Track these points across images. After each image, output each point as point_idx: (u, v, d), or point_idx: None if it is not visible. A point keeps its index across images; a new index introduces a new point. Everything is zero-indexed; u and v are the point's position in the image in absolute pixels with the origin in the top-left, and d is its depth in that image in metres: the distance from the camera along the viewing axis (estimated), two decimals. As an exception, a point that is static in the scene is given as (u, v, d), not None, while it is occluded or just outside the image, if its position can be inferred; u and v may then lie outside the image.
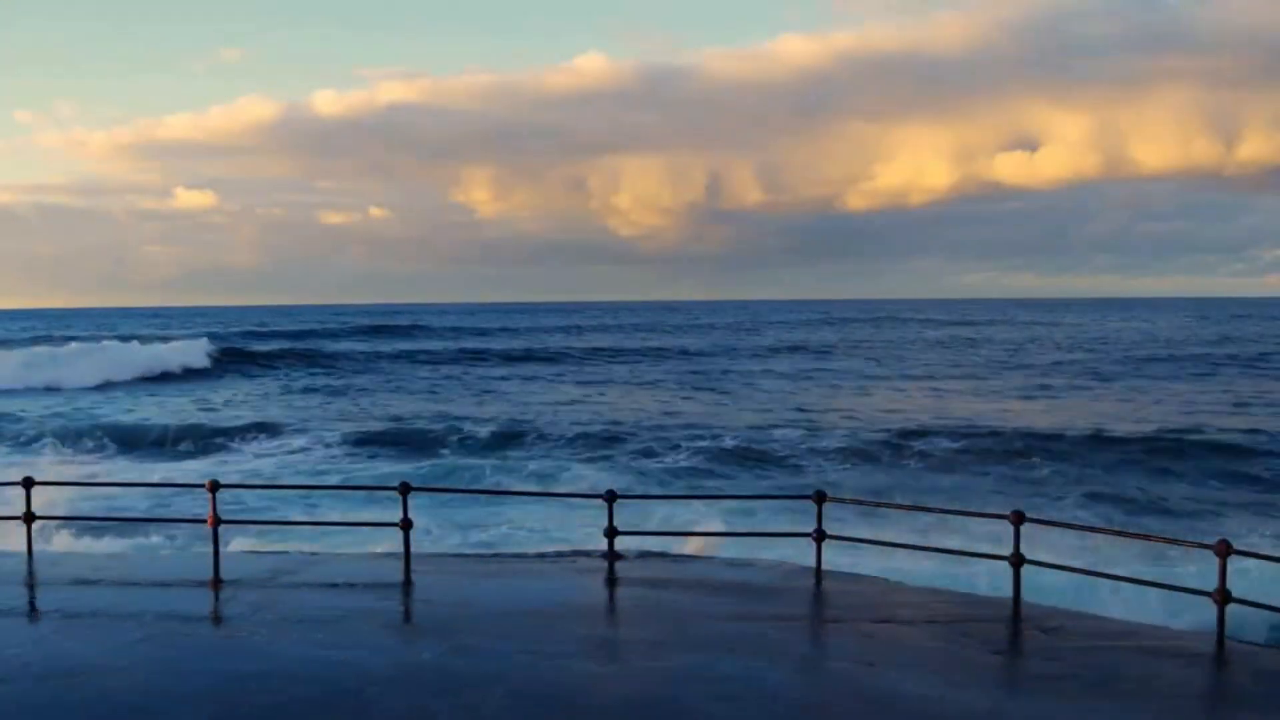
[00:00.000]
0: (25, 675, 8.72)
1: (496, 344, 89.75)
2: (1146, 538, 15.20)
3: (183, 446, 31.89)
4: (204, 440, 33.00)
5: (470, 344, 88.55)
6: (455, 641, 9.67)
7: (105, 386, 48.65)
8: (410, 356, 72.12)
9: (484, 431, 33.52)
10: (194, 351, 59.52)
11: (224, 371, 56.91)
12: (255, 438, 33.03)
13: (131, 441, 32.96)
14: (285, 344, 77.66)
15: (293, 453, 30.57)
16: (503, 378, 59.94)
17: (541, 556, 14.37)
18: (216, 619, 11.07)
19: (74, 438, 33.04)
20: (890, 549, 13.91)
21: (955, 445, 31.26)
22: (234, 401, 45.09)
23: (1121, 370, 61.99)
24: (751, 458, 29.75)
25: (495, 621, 10.52)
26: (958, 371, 63.51)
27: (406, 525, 13.87)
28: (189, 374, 54.86)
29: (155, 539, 17.59)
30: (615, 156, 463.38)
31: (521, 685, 8.41)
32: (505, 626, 10.28)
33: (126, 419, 38.16)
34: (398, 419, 38.00)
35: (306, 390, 50.44)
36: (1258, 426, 35.47)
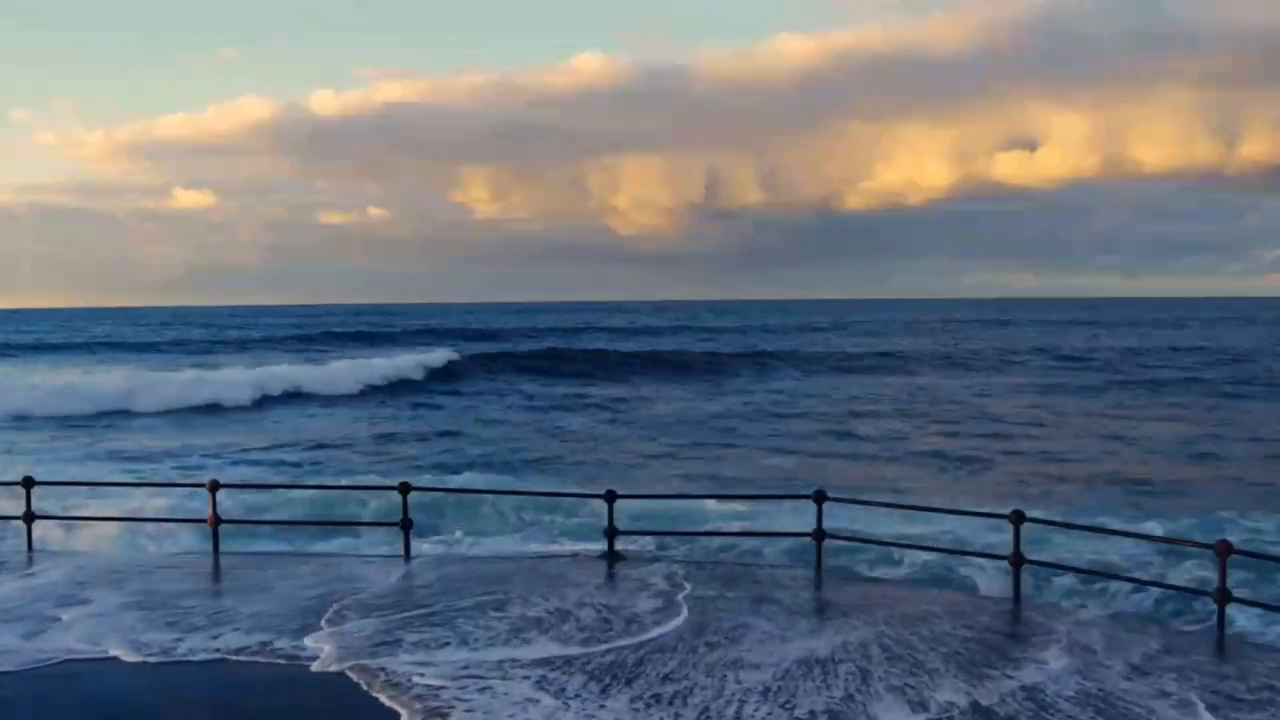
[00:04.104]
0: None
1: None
2: (1148, 538, 15.25)
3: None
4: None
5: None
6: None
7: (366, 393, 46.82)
8: (655, 358, 63.98)
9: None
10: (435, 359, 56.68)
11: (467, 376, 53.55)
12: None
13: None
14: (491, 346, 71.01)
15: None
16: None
17: (542, 558, 14.30)
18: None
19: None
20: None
21: None
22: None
23: None
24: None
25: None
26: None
27: (407, 525, 13.88)
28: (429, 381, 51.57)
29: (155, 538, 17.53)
30: (615, 156, 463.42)
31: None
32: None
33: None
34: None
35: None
36: None
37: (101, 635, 10.13)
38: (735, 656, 9.32)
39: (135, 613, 10.91)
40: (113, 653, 9.64)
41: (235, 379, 47.45)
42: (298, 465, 27.91)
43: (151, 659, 9.48)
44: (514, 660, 9.23)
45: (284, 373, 49.95)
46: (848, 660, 9.22)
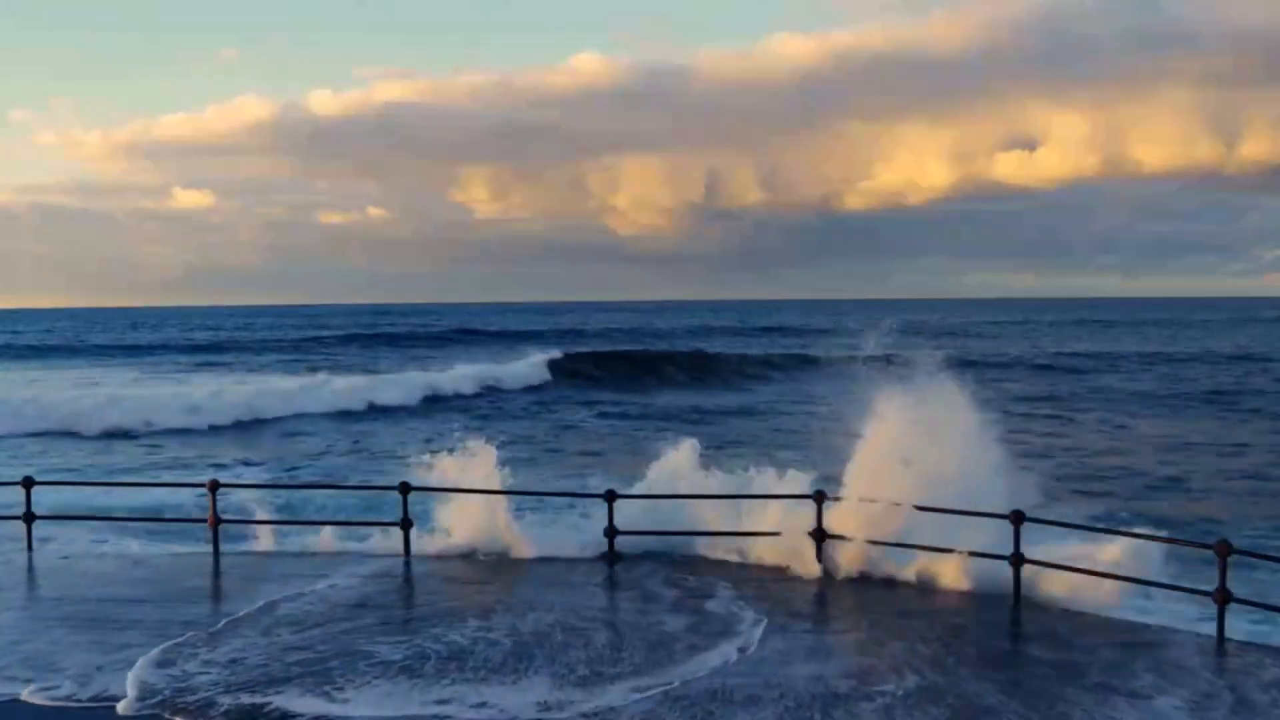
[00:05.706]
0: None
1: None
2: (1150, 538, 15.23)
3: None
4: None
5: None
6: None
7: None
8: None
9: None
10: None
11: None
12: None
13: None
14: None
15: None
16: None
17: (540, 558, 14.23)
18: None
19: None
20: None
21: None
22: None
23: None
24: None
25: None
26: None
27: (407, 525, 13.89)
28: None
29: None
30: (615, 156, 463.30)
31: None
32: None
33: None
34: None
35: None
36: None
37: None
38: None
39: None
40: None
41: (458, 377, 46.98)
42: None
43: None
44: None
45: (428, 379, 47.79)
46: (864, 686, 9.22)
